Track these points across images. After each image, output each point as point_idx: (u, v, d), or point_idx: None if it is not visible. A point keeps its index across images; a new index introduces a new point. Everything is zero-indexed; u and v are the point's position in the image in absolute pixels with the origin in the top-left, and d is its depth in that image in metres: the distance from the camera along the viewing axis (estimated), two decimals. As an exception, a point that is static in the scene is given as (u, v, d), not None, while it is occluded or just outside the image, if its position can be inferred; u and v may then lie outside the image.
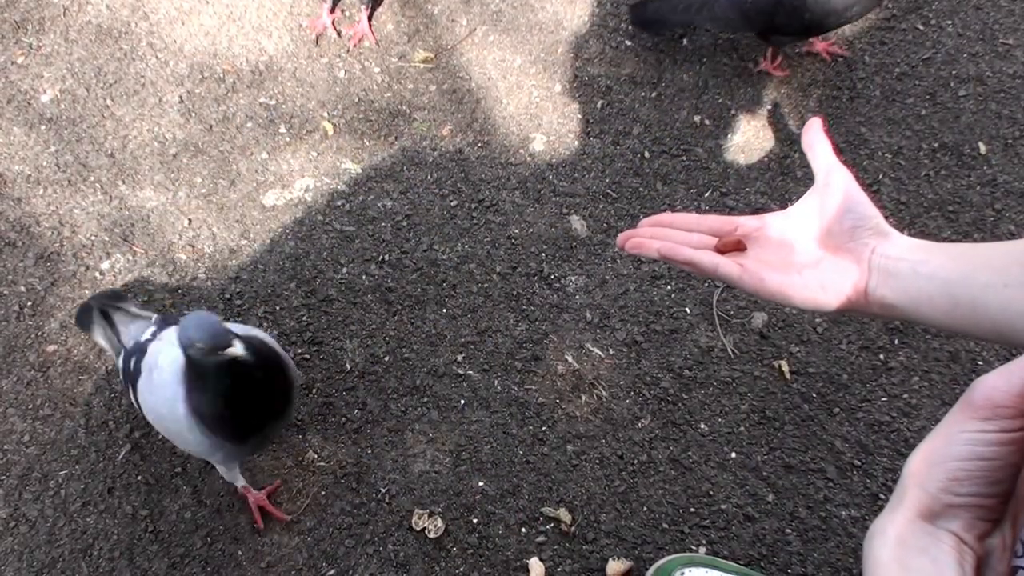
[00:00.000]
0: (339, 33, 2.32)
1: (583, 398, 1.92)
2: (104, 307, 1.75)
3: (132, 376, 1.59)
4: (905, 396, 1.90)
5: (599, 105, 2.25)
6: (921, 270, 0.85)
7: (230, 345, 1.31)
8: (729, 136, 2.20)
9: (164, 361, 1.51)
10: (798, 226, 0.96)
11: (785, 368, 1.93)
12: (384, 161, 2.18)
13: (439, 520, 1.78)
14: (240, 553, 1.79)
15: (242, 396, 1.45)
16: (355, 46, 2.31)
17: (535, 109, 2.25)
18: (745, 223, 0.98)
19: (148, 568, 1.77)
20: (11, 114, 2.21)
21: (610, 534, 1.78)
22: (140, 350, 1.59)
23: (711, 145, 2.19)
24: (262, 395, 1.48)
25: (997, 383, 0.52)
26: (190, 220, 2.10)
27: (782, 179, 2.13)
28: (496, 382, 1.94)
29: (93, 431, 1.89)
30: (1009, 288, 0.79)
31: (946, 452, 0.53)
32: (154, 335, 1.60)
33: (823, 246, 0.94)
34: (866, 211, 0.91)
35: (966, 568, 0.52)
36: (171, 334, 1.54)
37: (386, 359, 1.95)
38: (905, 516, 0.54)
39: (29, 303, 2.01)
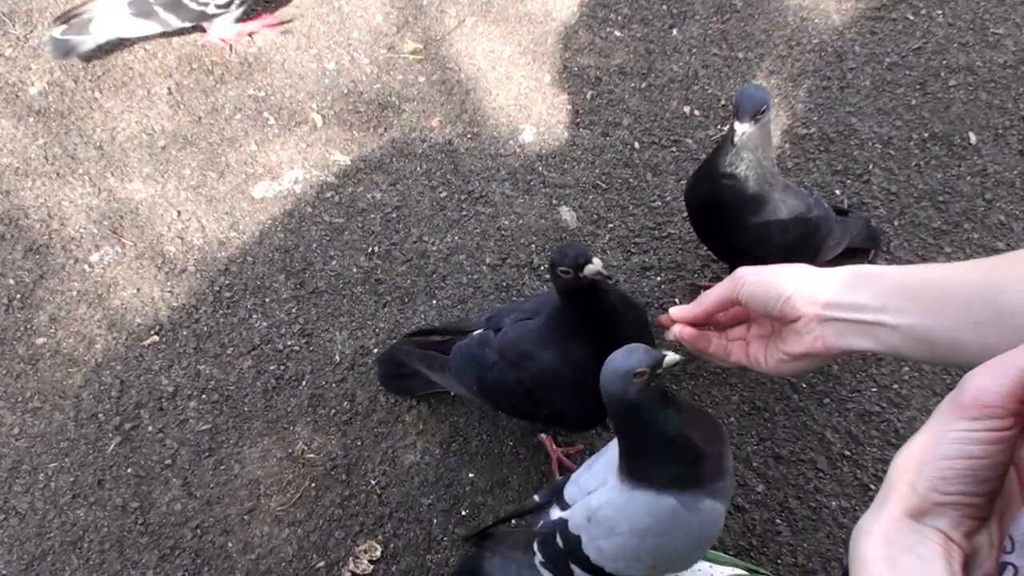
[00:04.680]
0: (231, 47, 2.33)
1: (573, 389, 1.91)
2: None
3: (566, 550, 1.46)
4: (895, 387, 1.90)
5: (589, 96, 2.24)
6: (884, 320, 0.83)
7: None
8: (719, 127, 2.19)
9: (597, 501, 1.40)
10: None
11: (775, 358, 1.93)
12: (373, 152, 2.18)
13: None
14: (230, 545, 1.78)
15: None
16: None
17: (525, 100, 2.24)
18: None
19: (138, 560, 1.77)
20: (-1, 106, 2.21)
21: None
22: (558, 525, 1.46)
23: (701, 136, 2.18)
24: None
25: (986, 383, 0.52)
26: (179, 212, 2.10)
27: (772, 169, 2.12)
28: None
29: (83, 423, 1.89)
30: (980, 326, 0.77)
31: (934, 451, 0.53)
32: (564, 507, 1.48)
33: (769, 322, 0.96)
34: (777, 294, 0.91)
35: (954, 565, 0.52)
36: (576, 489, 1.46)
37: (376, 351, 1.95)
38: (892, 514, 0.54)
39: (18, 296, 2.00)
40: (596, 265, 1.39)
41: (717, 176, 1.64)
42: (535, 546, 1.47)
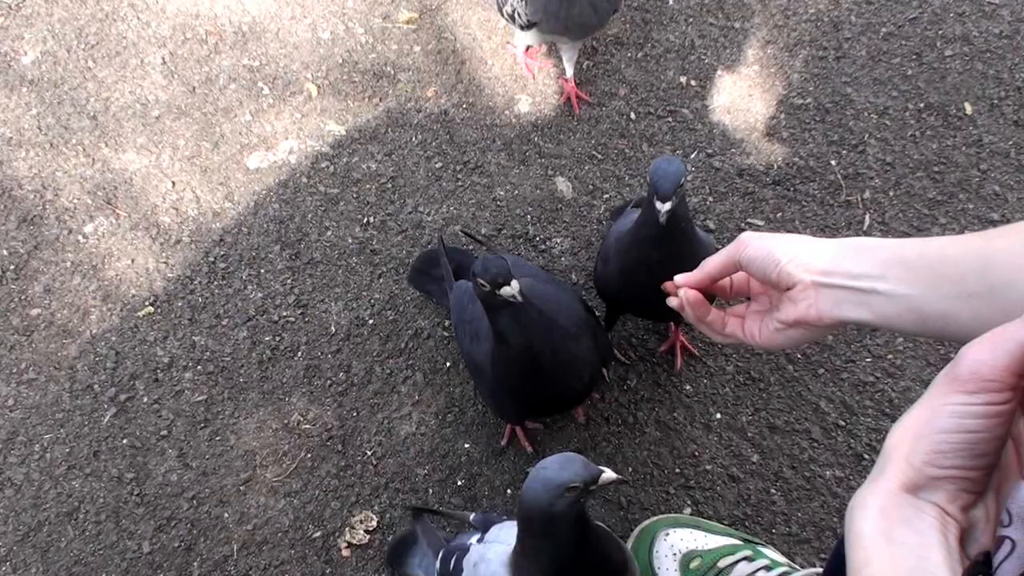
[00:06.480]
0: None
1: (568, 360, 1.91)
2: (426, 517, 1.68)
3: (451, 574, 1.46)
4: (890, 357, 1.90)
5: (584, 66, 2.23)
6: (880, 288, 0.83)
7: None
8: (715, 97, 2.18)
9: (492, 554, 1.37)
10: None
11: (770, 329, 1.93)
12: (368, 123, 2.17)
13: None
14: (226, 516, 1.79)
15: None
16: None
17: (520, 70, 2.23)
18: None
19: (134, 531, 1.78)
20: (-9, 76, 2.20)
21: (596, 495, 1.79)
22: (462, 549, 1.46)
23: (697, 106, 2.17)
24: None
25: (983, 357, 0.52)
26: (174, 183, 2.09)
27: (768, 140, 2.12)
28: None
29: (78, 394, 1.89)
30: (974, 298, 0.77)
31: (931, 425, 0.53)
32: (480, 540, 1.47)
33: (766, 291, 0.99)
34: (775, 259, 0.92)
35: (949, 539, 0.52)
36: (497, 534, 1.43)
37: (371, 321, 1.95)
38: (887, 488, 0.54)
39: (12, 267, 2.00)
40: (513, 287, 1.34)
41: (658, 263, 1.50)
42: (440, 555, 1.52)
